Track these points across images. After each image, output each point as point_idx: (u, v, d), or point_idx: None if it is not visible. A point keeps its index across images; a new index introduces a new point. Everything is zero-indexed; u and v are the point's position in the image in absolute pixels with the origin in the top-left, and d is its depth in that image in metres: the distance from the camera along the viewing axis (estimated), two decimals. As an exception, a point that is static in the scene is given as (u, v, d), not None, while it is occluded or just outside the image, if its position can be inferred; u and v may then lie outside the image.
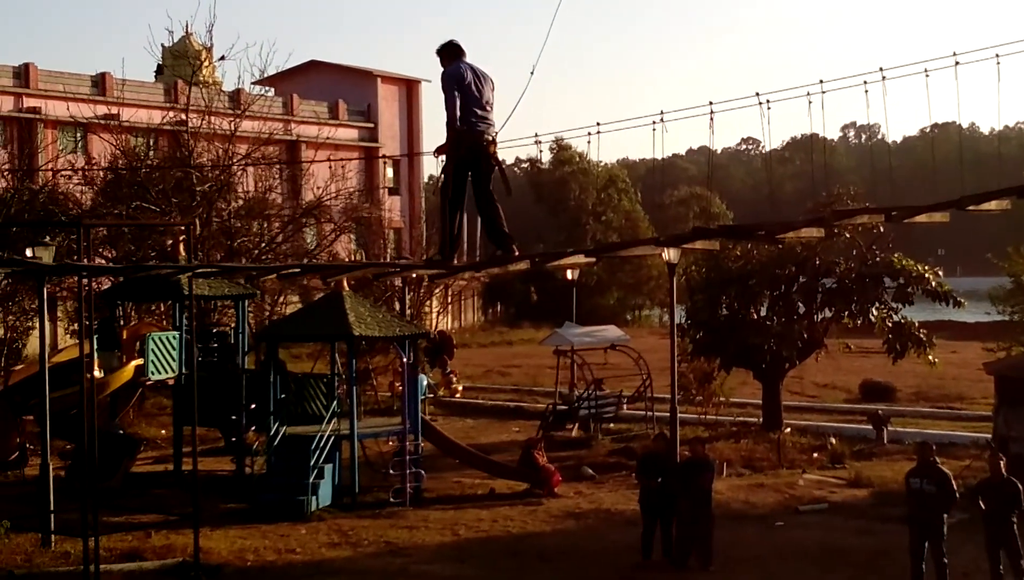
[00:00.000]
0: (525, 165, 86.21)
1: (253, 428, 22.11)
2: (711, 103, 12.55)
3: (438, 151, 9.62)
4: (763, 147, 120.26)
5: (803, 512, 19.42)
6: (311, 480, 19.44)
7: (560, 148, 69.20)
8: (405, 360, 21.35)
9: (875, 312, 26.37)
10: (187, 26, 45.80)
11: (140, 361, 22.11)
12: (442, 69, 9.45)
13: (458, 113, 9.22)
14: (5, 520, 11.51)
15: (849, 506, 19.81)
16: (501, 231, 9.55)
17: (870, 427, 26.21)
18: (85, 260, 18.20)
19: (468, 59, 9.49)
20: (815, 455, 24.18)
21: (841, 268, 26.78)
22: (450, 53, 9.49)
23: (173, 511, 18.05)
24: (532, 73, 10.00)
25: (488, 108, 9.41)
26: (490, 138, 9.41)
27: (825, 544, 17.06)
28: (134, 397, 25.19)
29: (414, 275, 21.60)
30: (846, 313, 26.83)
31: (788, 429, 26.53)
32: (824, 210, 22.01)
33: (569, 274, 37.95)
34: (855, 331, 28.17)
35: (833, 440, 25.14)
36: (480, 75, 9.43)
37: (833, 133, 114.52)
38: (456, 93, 9.22)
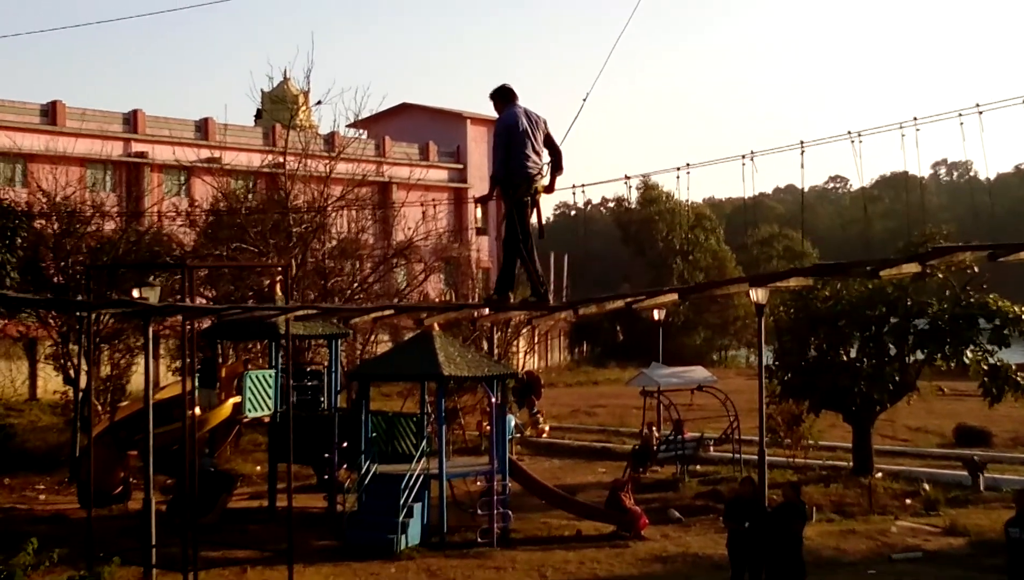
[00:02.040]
0: (612, 205, 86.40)
1: (345, 466, 22.54)
2: (802, 142, 12.67)
3: (479, 200, 10.26)
4: (851, 185, 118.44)
5: (896, 560, 19.11)
6: (401, 519, 19.76)
7: (647, 187, 69.31)
8: (493, 400, 21.63)
9: (970, 354, 25.84)
10: (286, 72, 47.28)
11: (238, 399, 22.82)
12: (496, 114, 9.76)
13: (508, 161, 9.49)
14: (116, 557, 12.05)
15: (945, 555, 19.44)
16: (537, 278, 9.86)
17: (965, 473, 25.65)
18: (188, 300, 18.99)
19: (521, 103, 9.77)
20: (908, 501, 23.76)
21: (934, 309, 26.35)
22: (503, 98, 9.80)
23: (268, 547, 18.50)
24: (584, 100, 10.33)
25: (539, 154, 9.68)
26: (541, 184, 9.70)
27: (919, 594, 16.77)
28: (231, 434, 25.91)
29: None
30: (939, 355, 26.34)
31: (880, 474, 26.10)
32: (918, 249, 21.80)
33: (656, 314, 38.07)
34: (948, 374, 27.67)
35: (927, 486, 24.67)
36: (532, 119, 9.72)
37: (924, 171, 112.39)
38: (505, 144, 9.51)
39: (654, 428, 28.49)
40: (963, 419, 33.70)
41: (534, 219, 10.02)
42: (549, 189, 9.95)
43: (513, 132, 9.52)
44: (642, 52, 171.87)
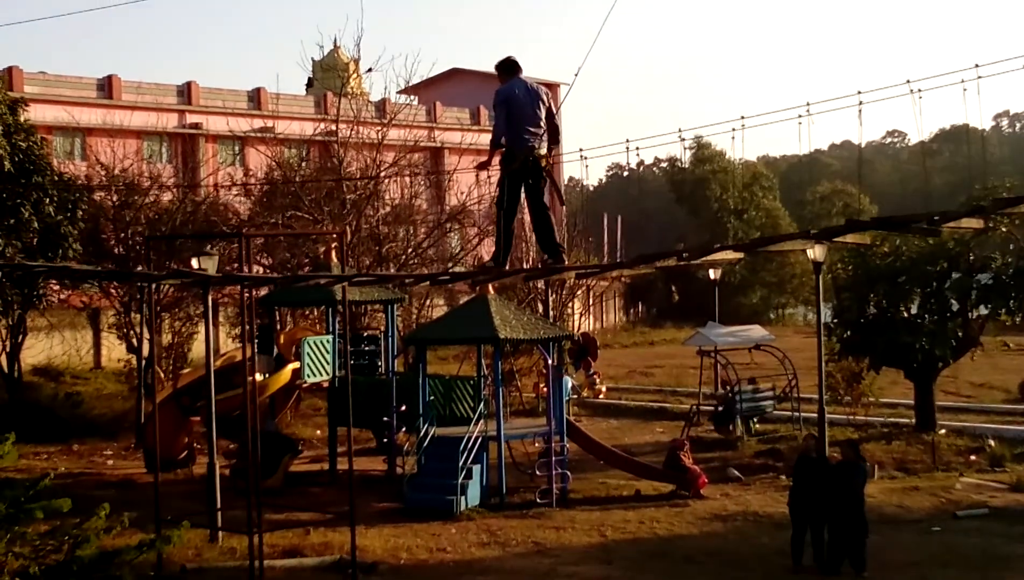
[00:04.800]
0: (665, 165, 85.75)
1: (403, 429, 22.76)
2: (859, 92, 12.37)
3: (479, 166, 10.48)
4: (910, 140, 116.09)
5: (961, 517, 18.86)
6: (459, 480, 19.90)
7: (700, 146, 68.60)
8: (550, 362, 21.65)
9: (1035, 309, 25.37)
10: (336, 40, 47.37)
11: (297, 364, 23.07)
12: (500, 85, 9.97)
13: (507, 131, 9.75)
14: (185, 521, 12.28)
15: (1012, 512, 19.15)
16: (553, 241, 10.03)
17: (1032, 429, 25.25)
18: (246, 269, 19.18)
19: (523, 75, 10.04)
20: (972, 458, 23.45)
21: (997, 263, 25.87)
22: (507, 70, 10.08)
23: (329, 510, 18.75)
24: (576, 75, 10.39)
25: (540, 124, 9.89)
26: (541, 152, 9.88)
27: (987, 551, 16.57)
28: (291, 399, 26.24)
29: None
30: (1003, 310, 25.90)
31: (943, 430, 25.78)
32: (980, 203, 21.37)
33: (712, 273, 37.79)
34: (1013, 329, 27.24)
35: (992, 442, 24.32)
36: (533, 91, 9.95)
37: (985, 123, 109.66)
38: (505, 114, 9.76)
39: (735, 385, 28.06)
40: (1029, 374, 33.14)
41: (545, 193, 10.21)
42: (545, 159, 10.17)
43: (512, 103, 9.78)
44: (694, 6, 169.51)
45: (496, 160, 10.09)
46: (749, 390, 27.32)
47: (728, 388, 27.41)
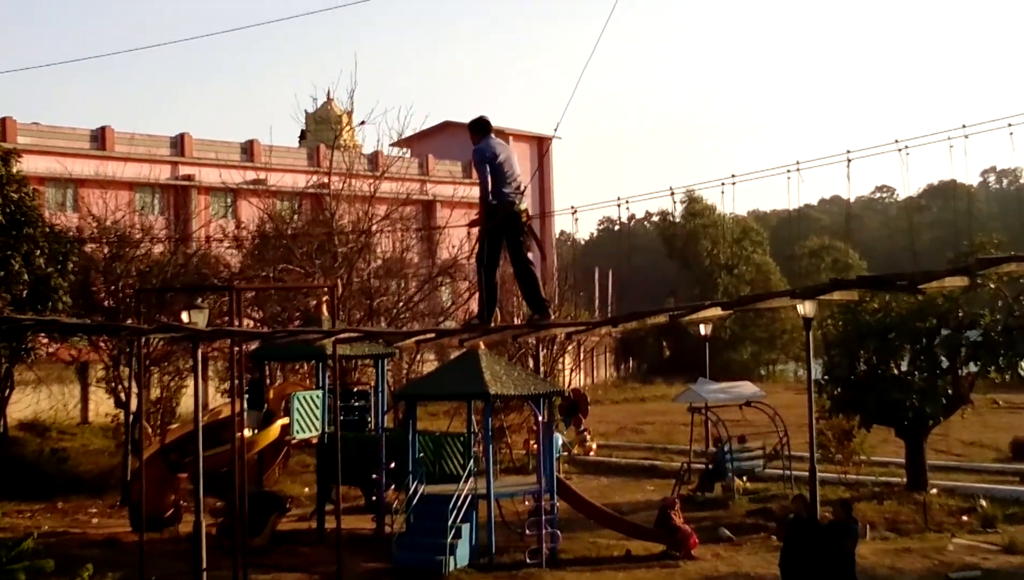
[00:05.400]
0: (656, 219, 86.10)
1: (393, 487, 22.55)
2: (848, 151, 12.55)
3: (471, 224, 10.52)
4: (898, 195, 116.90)
5: None
6: (449, 540, 19.71)
7: (692, 200, 69.00)
8: (540, 418, 21.55)
9: (1024, 366, 25.41)
10: (329, 92, 47.64)
11: (286, 420, 22.93)
12: (473, 145, 10.15)
13: (491, 188, 9.88)
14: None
15: (1004, 574, 19.06)
16: (538, 296, 10.12)
17: (1023, 488, 25.13)
18: (236, 322, 19.13)
19: (495, 136, 10.20)
20: (964, 518, 23.33)
21: (986, 320, 25.92)
22: (480, 129, 10.21)
23: (317, 569, 18.59)
24: (555, 135, 10.52)
25: (518, 180, 10.10)
26: (522, 208, 10.06)
27: (979, 614, 16.43)
28: (280, 455, 26.03)
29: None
30: (993, 367, 25.91)
31: (934, 490, 25.66)
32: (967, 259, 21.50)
33: (702, 329, 37.77)
34: (1003, 386, 27.17)
35: (983, 502, 24.20)
36: (508, 149, 10.18)
37: (973, 179, 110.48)
38: (488, 169, 9.90)
39: (722, 443, 27.99)
40: (1019, 432, 33.01)
41: (526, 243, 10.34)
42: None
43: (493, 161, 9.95)
44: (684, 65, 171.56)
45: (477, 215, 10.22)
46: (738, 449, 27.20)
47: (719, 446, 27.28)
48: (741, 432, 28.70)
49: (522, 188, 10.21)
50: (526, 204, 10.26)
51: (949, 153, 11.23)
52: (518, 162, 10.25)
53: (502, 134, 61.71)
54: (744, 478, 27.17)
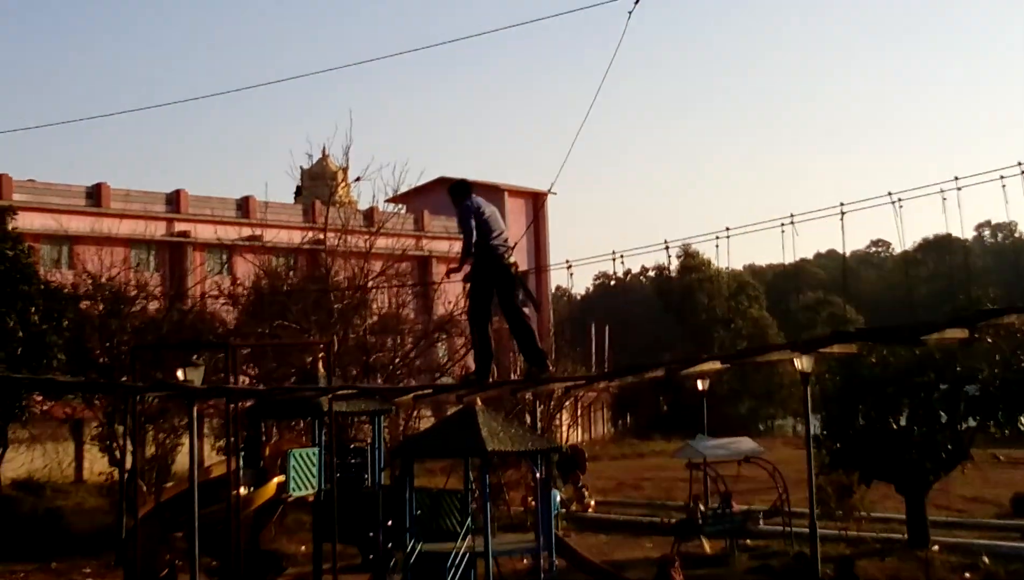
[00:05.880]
0: (652, 273, 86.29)
1: (390, 545, 22.30)
2: (842, 204, 12.52)
3: (450, 273, 10.68)
4: (894, 249, 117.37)
5: (957, 637, 18.51)
6: (447, 598, 19.46)
7: (687, 255, 69.21)
8: (538, 475, 21.38)
9: (1024, 420, 25.35)
10: (325, 149, 47.80)
11: (282, 478, 22.72)
12: (456, 206, 10.34)
13: (475, 240, 10.01)
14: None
15: (1007, 631, 18.80)
16: (535, 348, 10.19)
17: (1025, 544, 24.94)
18: (231, 379, 19.09)
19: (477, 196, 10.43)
20: (967, 575, 23.09)
21: (984, 374, 25.89)
22: (462, 192, 10.44)
23: (313, 629, 18.28)
24: (551, 191, 10.62)
25: (505, 235, 10.26)
26: (511, 260, 10.18)
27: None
28: (276, 513, 25.77)
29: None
30: (992, 422, 25.84)
31: (936, 546, 25.42)
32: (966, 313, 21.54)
33: (700, 384, 37.68)
34: (1003, 441, 27.04)
35: (986, 559, 23.96)
36: (494, 208, 10.43)
37: (968, 233, 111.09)
38: (474, 224, 10.05)
39: (699, 502, 27.96)
40: (1020, 488, 32.81)
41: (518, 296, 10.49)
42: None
43: (479, 217, 10.10)
44: (678, 117, 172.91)
45: (466, 269, 10.25)
46: (720, 510, 26.89)
47: (691, 505, 27.06)
48: (740, 488, 28.47)
49: (510, 242, 10.28)
50: (515, 258, 10.34)
51: (943, 206, 11.23)
52: (509, 222, 10.41)
53: (497, 190, 62.30)
54: (734, 539, 26.75)
